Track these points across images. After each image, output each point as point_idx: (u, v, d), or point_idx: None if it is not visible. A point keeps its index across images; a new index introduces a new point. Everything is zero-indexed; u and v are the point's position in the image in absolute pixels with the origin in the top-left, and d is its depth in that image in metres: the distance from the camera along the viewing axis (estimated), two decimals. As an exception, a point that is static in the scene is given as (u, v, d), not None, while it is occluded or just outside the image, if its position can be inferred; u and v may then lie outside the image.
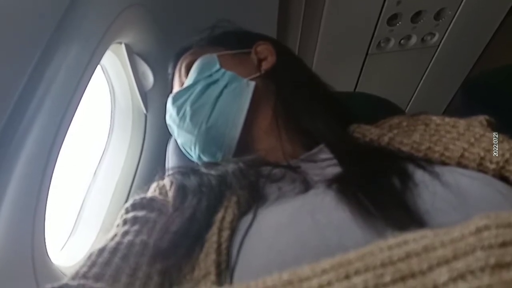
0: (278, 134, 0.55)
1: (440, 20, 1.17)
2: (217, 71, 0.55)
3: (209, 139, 0.53)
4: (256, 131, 0.55)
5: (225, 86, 0.54)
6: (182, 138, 0.55)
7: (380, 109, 0.79)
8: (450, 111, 1.51)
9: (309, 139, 0.53)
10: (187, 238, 0.36)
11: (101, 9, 0.66)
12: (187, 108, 0.53)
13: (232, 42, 0.60)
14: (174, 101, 0.56)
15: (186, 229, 0.38)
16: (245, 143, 0.55)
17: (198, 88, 0.54)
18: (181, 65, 0.62)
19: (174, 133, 0.58)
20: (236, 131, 0.54)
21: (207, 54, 0.58)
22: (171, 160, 0.78)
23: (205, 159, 0.56)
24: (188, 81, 0.56)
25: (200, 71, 0.56)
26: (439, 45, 1.26)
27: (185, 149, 0.59)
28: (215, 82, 0.54)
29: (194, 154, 0.57)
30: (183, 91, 0.55)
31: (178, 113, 0.54)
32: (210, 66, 0.56)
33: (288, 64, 0.61)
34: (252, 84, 0.55)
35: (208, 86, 0.54)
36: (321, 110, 0.56)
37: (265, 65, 0.59)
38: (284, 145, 0.54)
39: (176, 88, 0.62)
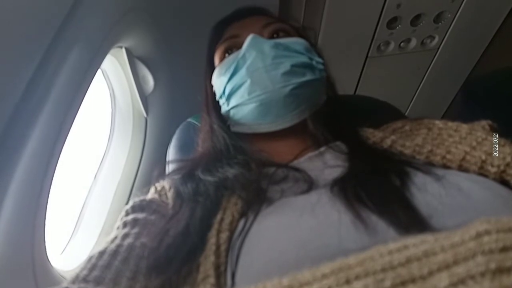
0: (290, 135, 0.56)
1: (440, 23, 1.17)
2: (318, 63, 0.57)
3: (280, 102, 0.52)
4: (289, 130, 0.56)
5: (317, 80, 0.55)
6: (258, 78, 0.52)
7: (380, 112, 0.79)
8: (450, 113, 1.51)
9: (314, 140, 0.54)
10: (180, 253, 0.36)
11: (101, 13, 0.66)
12: (287, 63, 0.52)
13: (317, 52, 0.61)
14: (275, 46, 0.54)
15: (179, 244, 0.37)
16: (275, 133, 0.55)
17: (301, 59, 0.54)
18: (272, 23, 0.60)
19: (251, 64, 0.53)
20: (299, 117, 0.54)
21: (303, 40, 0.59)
22: (171, 164, 0.78)
23: (249, 110, 0.54)
24: (291, 45, 0.55)
25: (306, 50, 0.56)
26: (438, 48, 1.27)
27: (246, 85, 0.53)
28: (313, 68, 0.55)
29: (250, 96, 0.53)
30: (285, 48, 0.55)
31: (274, 58, 0.52)
32: (313, 53, 0.57)
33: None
34: (325, 96, 0.59)
35: (308, 65, 0.54)
36: (341, 111, 0.59)
37: (330, 94, 0.61)
38: (290, 146, 0.54)
39: (251, 31, 0.57)
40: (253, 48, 0.54)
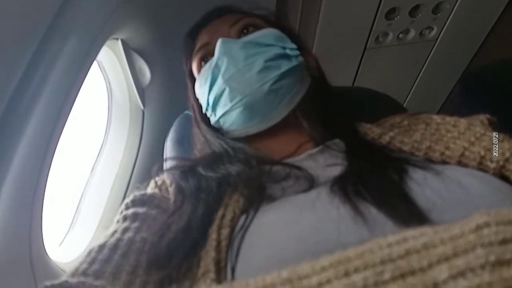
0: (288, 130, 0.55)
1: (438, 14, 1.16)
2: (292, 49, 0.55)
3: (262, 101, 0.51)
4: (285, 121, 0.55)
5: (294, 67, 0.54)
6: (235, 83, 0.52)
7: (378, 103, 0.79)
8: (448, 105, 1.51)
9: (312, 137, 0.54)
10: (181, 249, 0.36)
11: (97, 4, 0.65)
12: (259, 61, 0.51)
13: (290, 36, 0.59)
14: (244, 46, 0.53)
15: (180, 240, 0.38)
16: (269, 130, 0.55)
17: (274, 51, 0.53)
18: (238, 20, 0.59)
19: (225, 72, 0.53)
20: (287, 109, 0.54)
21: (273, 29, 0.58)
22: (169, 154, 0.78)
23: (236, 116, 0.54)
24: (261, 39, 0.55)
25: (277, 39, 0.55)
26: (437, 39, 1.26)
27: (225, 93, 0.53)
28: (287, 56, 0.54)
29: (232, 103, 0.52)
30: (255, 44, 0.54)
31: (246, 59, 0.52)
32: (285, 41, 0.56)
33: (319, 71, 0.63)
34: (309, 79, 0.58)
35: (281, 55, 0.53)
36: (337, 107, 0.59)
37: (315, 73, 0.61)
38: (286, 141, 0.54)
39: (220, 36, 0.56)
40: (223, 54, 0.53)
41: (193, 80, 0.62)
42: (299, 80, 0.56)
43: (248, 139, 0.57)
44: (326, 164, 0.47)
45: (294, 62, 0.54)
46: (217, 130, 0.59)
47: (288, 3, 1.10)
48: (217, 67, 0.54)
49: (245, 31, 0.58)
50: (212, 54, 0.56)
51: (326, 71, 0.64)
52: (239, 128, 0.56)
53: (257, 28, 0.58)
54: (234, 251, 0.34)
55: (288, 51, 0.54)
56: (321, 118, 0.56)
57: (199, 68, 0.60)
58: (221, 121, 0.57)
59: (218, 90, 0.53)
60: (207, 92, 0.56)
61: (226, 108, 0.53)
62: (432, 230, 0.22)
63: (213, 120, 0.58)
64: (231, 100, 0.52)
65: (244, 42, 0.54)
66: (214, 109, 0.56)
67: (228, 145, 0.55)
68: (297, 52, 0.55)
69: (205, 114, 0.60)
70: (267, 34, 0.56)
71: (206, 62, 0.58)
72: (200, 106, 0.61)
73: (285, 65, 0.53)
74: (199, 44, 0.60)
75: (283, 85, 0.52)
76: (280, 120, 0.53)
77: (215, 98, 0.55)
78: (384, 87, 0.85)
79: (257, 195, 0.40)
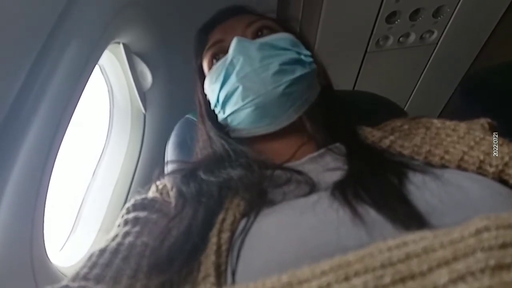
0: (291, 136, 0.55)
1: (439, 18, 1.17)
2: (307, 56, 0.55)
3: (274, 103, 0.52)
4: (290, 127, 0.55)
5: (308, 74, 0.54)
6: (249, 82, 0.52)
7: (379, 107, 0.79)
8: (449, 108, 1.51)
9: (313, 138, 0.54)
10: (182, 253, 0.36)
11: (99, 8, 0.66)
12: (275, 63, 0.51)
13: (303, 42, 0.59)
14: (261, 47, 0.53)
15: (181, 244, 0.38)
16: (274, 133, 0.55)
17: (289, 55, 0.53)
18: (255, 21, 0.59)
19: (240, 70, 0.53)
20: (296, 114, 0.54)
21: (288, 34, 0.58)
22: (170, 158, 0.78)
23: (246, 115, 0.54)
24: (277, 42, 0.55)
25: (292, 44, 0.55)
26: (437, 43, 1.26)
27: (238, 91, 0.53)
28: (302, 62, 0.54)
29: (244, 102, 0.52)
30: (271, 47, 0.54)
31: (262, 60, 0.52)
32: (300, 47, 0.56)
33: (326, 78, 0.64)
34: (319, 87, 0.59)
35: (296, 61, 0.54)
36: (341, 111, 0.59)
37: (323, 82, 0.61)
38: (288, 144, 0.54)
39: (235, 35, 0.56)
40: (239, 52, 0.53)
41: (202, 76, 0.62)
42: (311, 87, 0.56)
43: (251, 139, 0.57)
44: (327, 167, 0.47)
45: (307, 69, 0.54)
46: (222, 128, 0.59)
47: (289, 7, 1.10)
48: (231, 64, 0.54)
49: (259, 33, 0.58)
50: (225, 52, 0.56)
51: (326, 74, 0.64)
52: (247, 127, 0.56)
53: (272, 31, 0.58)
54: (234, 254, 0.33)
55: (302, 57, 0.55)
56: (324, 122, 0.56)
57: (211, 64, 0.59)
58: (229, 119, 0.56)
59: (231, 88, 0.53)
60: (218, 89, 0.55)
61: (237, 106, 0.53)
62: (432, 234, 0.22)
63: (221, 117, 0.58)
64: (243, 99, 0.52)
65: (261, 43, 0.54)
66: (223, 106, 0.56)
67: (230, 147, 0.55)
68: (311, 59, 0.56)
69: (212, 111, 0.60)
70: (282, 38, 0.56)
71: (218, 59, 0.58)
72: (207, 103, 0.61)
73: (299, 71, 0.53)
74: (212, 40, 0.60)
75: (295, 90, 0.52)
76: (288, 124, 0.54)
77: (226, 96, 0.54)
78: (385, 91, 0.85)
79: (258, 200, 0.40)
